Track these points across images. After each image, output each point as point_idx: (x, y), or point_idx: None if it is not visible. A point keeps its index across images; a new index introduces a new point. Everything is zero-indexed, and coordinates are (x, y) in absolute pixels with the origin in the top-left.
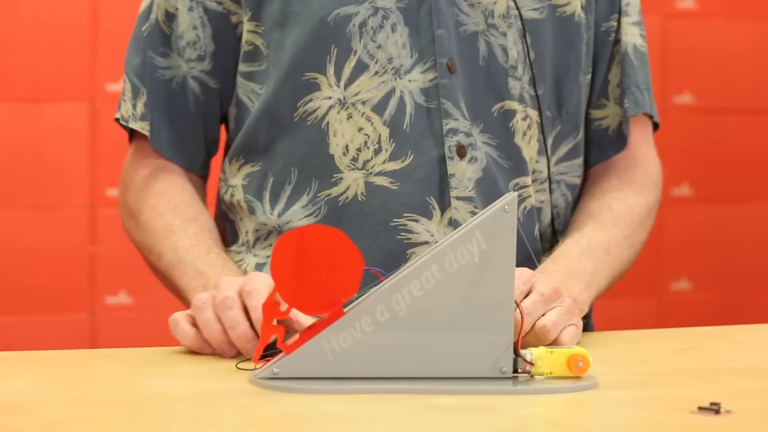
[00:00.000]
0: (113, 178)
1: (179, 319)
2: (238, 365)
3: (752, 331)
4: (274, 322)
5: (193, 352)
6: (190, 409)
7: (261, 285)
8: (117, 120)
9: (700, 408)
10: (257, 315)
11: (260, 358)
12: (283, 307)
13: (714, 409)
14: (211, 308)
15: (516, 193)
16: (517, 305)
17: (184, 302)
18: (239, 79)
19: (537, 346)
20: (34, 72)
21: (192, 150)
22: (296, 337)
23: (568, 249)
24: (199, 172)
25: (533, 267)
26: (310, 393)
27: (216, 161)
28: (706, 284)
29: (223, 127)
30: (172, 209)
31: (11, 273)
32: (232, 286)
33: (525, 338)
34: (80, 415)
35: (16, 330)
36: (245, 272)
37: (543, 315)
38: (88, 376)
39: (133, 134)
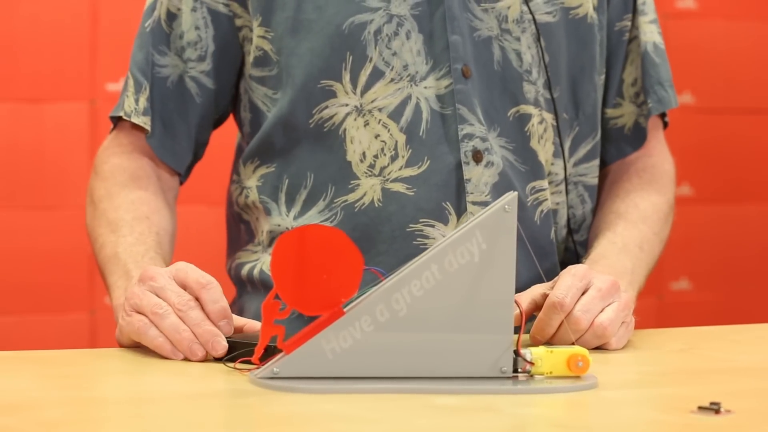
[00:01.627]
0: None
1: (149, 324)
2: (236, 366)
3: (752, 331)
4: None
5: None
6: (190, 409)
7: (208, 276)
8: (114, 117)
9: (700, 408)
10: (217, 308)
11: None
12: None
13: (714, 408)
14: (174, 313)
15: (515, 193)
16: (517, 305)
17: (109, 297)
18: (253, 84)
19: (594, 344)
20: (34, 72)
21: (180, 150)
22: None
23: (606, 249)
24: (182, 172)
25: (533, 267)
26: (310, 393)
27: (224, 166)
28: (706, 284)
29: (214, 132)
30: (128, 204)
31: (11, 273)
32: (166, 277)
33: (583, 338)
34: (80, 415)
35: (16, 330)
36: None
37: (601, 311)
38: (88, 376)
39: (116, 125)
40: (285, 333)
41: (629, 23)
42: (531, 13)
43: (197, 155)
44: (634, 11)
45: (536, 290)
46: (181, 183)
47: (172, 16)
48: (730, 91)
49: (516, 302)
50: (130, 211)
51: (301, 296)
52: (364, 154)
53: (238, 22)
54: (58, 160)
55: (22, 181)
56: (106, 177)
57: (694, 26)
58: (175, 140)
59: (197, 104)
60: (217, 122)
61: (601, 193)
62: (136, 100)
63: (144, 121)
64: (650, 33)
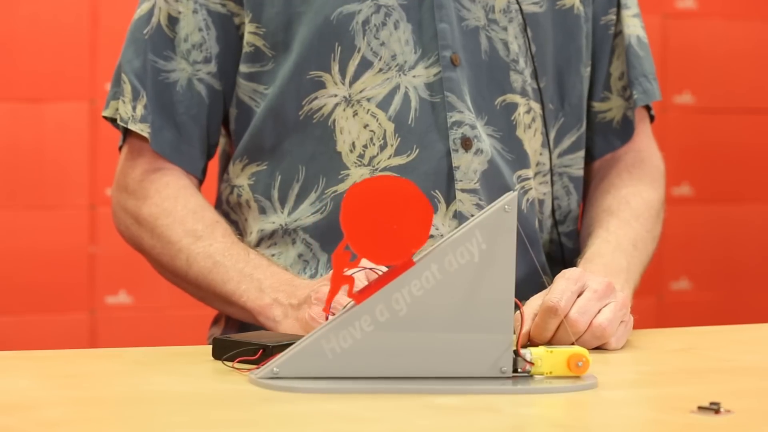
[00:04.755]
0: (113, 178)
1: None
2: (236, 365)
3: (752, 330)
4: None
5: (192, 352)
6: (190, 409)
7: None
8: (107, 118)
9: (699, 408)
10: None
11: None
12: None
13: (714, 408)
14: None
15: (515, 193)
16: (518, 306)
17: (230, 307)
18: (239, 80)
19: (594, 345)
20: (34, 72)
21: (196, 153)
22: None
23: (600, 248)
24: (199, 176)
25: (531, 265)
26: (310, 393)
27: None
28: (706, 284)
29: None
30: (191, 214)
31: (11, 273)
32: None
33: (582, 339)
34: (80, 415)
35: (16, 330)
36: (285, 268)
37: (598, 313)
38: (88, 376)
39: (125, 136)
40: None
41: (614, 17)
42: (518, 3)
43: (209, 155)
44: (618, 5)
45: (534, 303)
46: (201, 183)
47: (173, 20)
48: (730, 91)
49: (517, 304)
50: (198, 220)
51: (371, 246)
52: (353, 144)
53: (237, 20)
54: (58, 160)
55: (22, 181)
56: (148, 194)
57: (694, 26)
58: (189, 144)
59: (207, 105)
60: (224, 121)
61: (589, 189)
62: (134, 107)
63: (141, 128)
64: (633, 26)
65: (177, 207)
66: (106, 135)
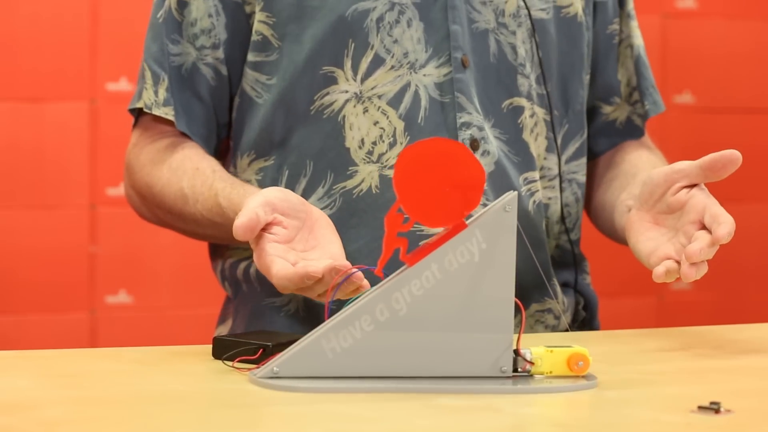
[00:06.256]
0: (113, 178)
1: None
2: (236, 365)
3: (752, 330)
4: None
5: (192, 351)
6: (190, 409)
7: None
8: (134, 110)
9: (700, 407)
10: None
11: (258, 361)
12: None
13: (714, 408)
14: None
15: (515, 193)
16: (518, 304)
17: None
18: (245, 69)
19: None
20: (34, 71)
21: (206, 132)
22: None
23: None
24: (212, 154)
25: (536, 267)
26: (310, 392)
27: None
28: (706, 284)
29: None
30: (173, 172)
31: (11, 272)
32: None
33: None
34: (80, 415)
35: (16, 329)
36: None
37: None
38: (88, 376)
39: (136, 121)
40: (408, 246)
41: (618, 26)
42: (527, 8)
43: (220, 136)
44: (625, 15)
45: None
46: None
47: (183, 4)
48: (730, 91)
49: (517, 303)
50: (181, 178)
51: (423, 209)
52: (362, 140)
53: (248, 8)
54: (58, 160)
55: (22, 181)
56: (144, 165)
57: (694, 26)
58: (199, 124)
59: (213, 87)
60: (232, 102)
61: (594, 178)
62: (156, 92)
63: (165, 112)
64: (639, 37)
65: (163, 171)
66: (106, 134)
